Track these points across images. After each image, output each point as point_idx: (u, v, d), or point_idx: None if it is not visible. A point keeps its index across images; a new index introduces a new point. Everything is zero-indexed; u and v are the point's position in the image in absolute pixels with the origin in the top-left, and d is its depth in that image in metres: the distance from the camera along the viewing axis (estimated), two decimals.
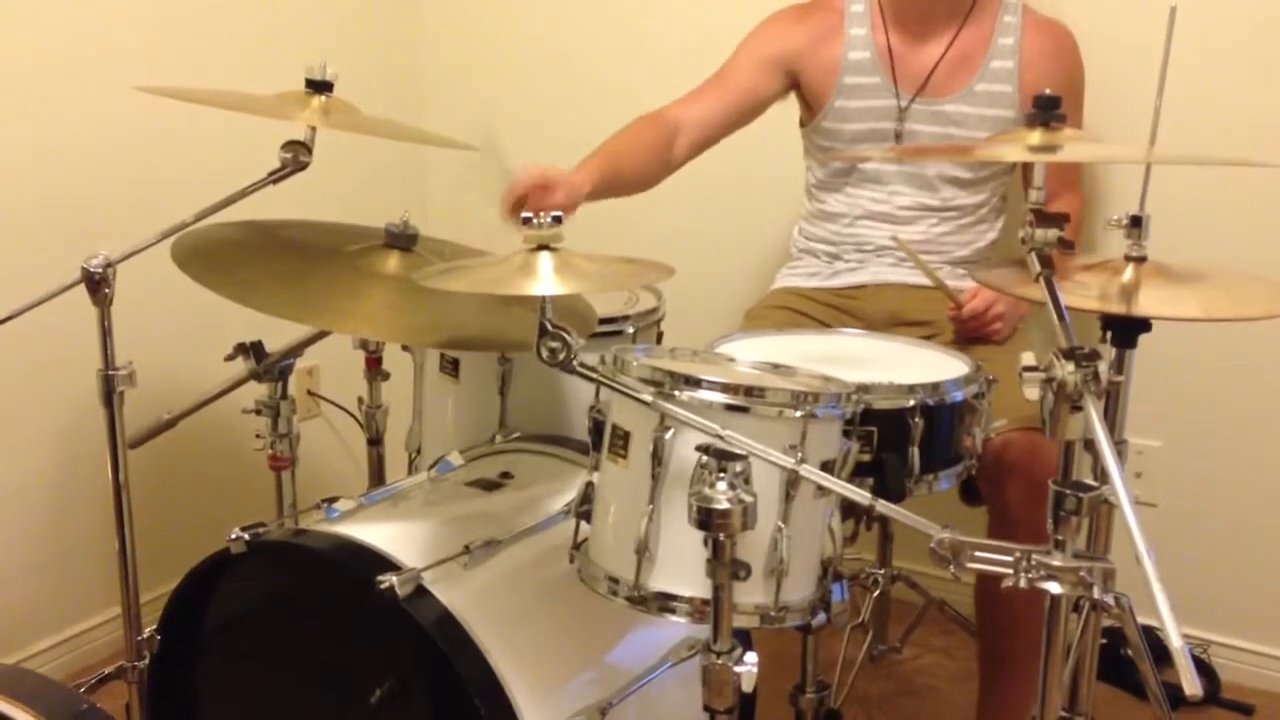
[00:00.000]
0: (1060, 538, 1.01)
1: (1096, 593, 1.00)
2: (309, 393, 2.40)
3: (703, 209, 2.42)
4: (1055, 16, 1.90)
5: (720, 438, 1.08)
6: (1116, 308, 1.23)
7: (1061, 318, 1.04)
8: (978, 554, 1.02)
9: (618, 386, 1.16)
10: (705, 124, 1.87)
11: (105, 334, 1.40)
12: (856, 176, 1.92)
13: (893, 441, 1.35)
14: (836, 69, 1.88)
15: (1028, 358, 1.00)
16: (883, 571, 2.05)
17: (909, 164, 1.88)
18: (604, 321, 1.64)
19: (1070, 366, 0.96)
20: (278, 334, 1.63)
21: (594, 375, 1.15)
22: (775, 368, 1.35)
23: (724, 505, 1.03)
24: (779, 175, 2.28)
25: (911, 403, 1.36)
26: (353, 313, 1.43)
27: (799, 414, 1.16)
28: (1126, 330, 1.27)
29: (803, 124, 1.98)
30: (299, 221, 1.63)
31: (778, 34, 1.93)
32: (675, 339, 1.70)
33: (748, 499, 1.04)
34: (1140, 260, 1.26)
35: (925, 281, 1.86)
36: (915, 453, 1.36)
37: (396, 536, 1.37)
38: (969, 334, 1.76)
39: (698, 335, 1.58)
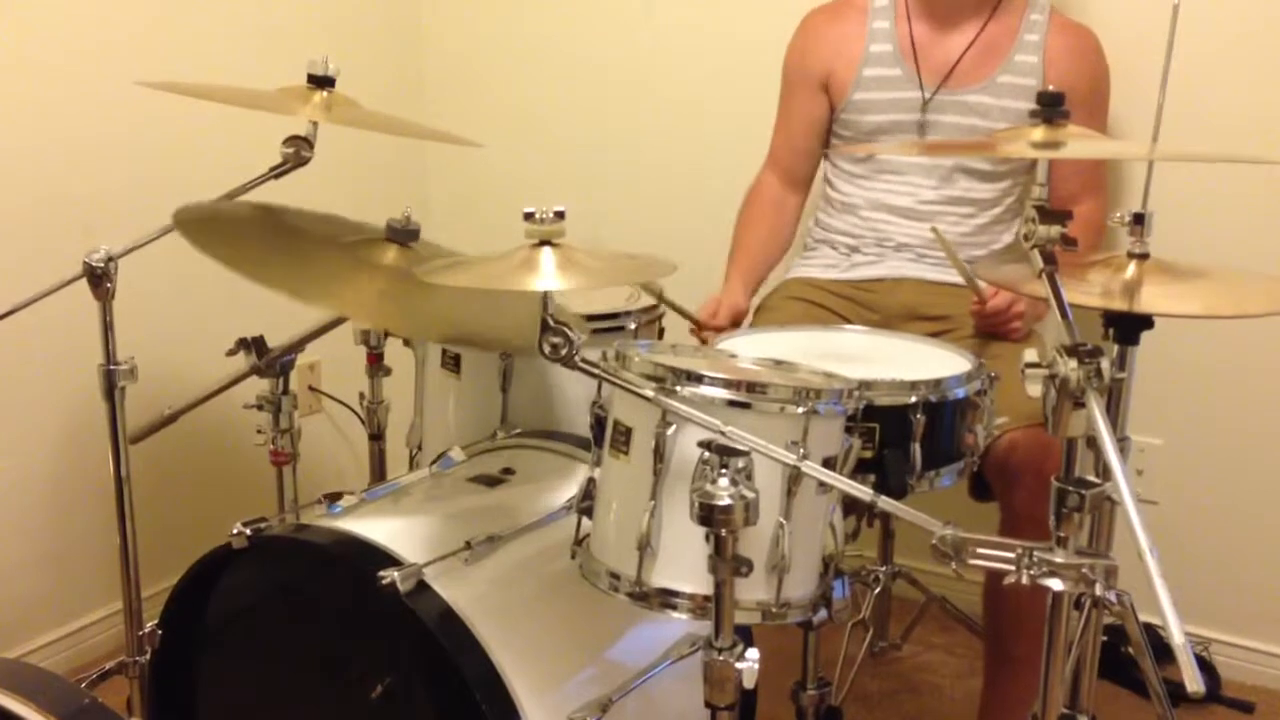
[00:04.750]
0: (1062, 534, 1.01)
1: (1098, 590, 1.01)
2: (310, 388, 2.39)
3: (705, 205, 2.41)
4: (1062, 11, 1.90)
5: (722, 434, 1.08)
6: (1119, 304, 1.23)
7: (1064, 314, 1.04)
8: (979, 551, 1.02)
9: (620, 382, 1.16)
10: (795, 170, 2.02)
11: (107, 328, 1.40)
12: (874, 169, 1.92)
13: (894, 438, 1.35)
14: (858, 61, 1.89)
15: (1030, 354, 1.00)
16: (884, 568, 2.05)
17: (922, 157, 1.88)
18: (606, 317, 1.64)
19: (1073, 363, 0.96)
20: (279, 329, 1.62)
21: (596, 371, 1.15)
22: (777, 364, 1.35)
23: (726, 501, 1.03)
24: None
25: (913, 399, 1.36)
26: (350, 298, 1.43)
27: (801, 410, 1.16)
28: (1129, 327, 1.27)
29: None
30: (302, 210, 1.62)
31: (810, 49, 1.96)
32: (677, 336, 1.70)
33: (749, 495, 1.04)
34: (1143, 257, 1.26)
35: (942, 277, 1.87)
36: (917, 449, 1.36)
37: (398, 532, 1.37)
38: (989, 329, 1.76)
39: None
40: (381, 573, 1.25)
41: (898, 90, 1.87)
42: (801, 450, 1.12)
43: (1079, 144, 1.19)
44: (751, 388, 1.16)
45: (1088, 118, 1.73)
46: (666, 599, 1.17)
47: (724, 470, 1.05)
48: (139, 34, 2.09)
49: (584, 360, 1.13)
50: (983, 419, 1.44)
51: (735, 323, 1.83)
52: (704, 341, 1.79)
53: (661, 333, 1.82)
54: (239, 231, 1.47)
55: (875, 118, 1.89)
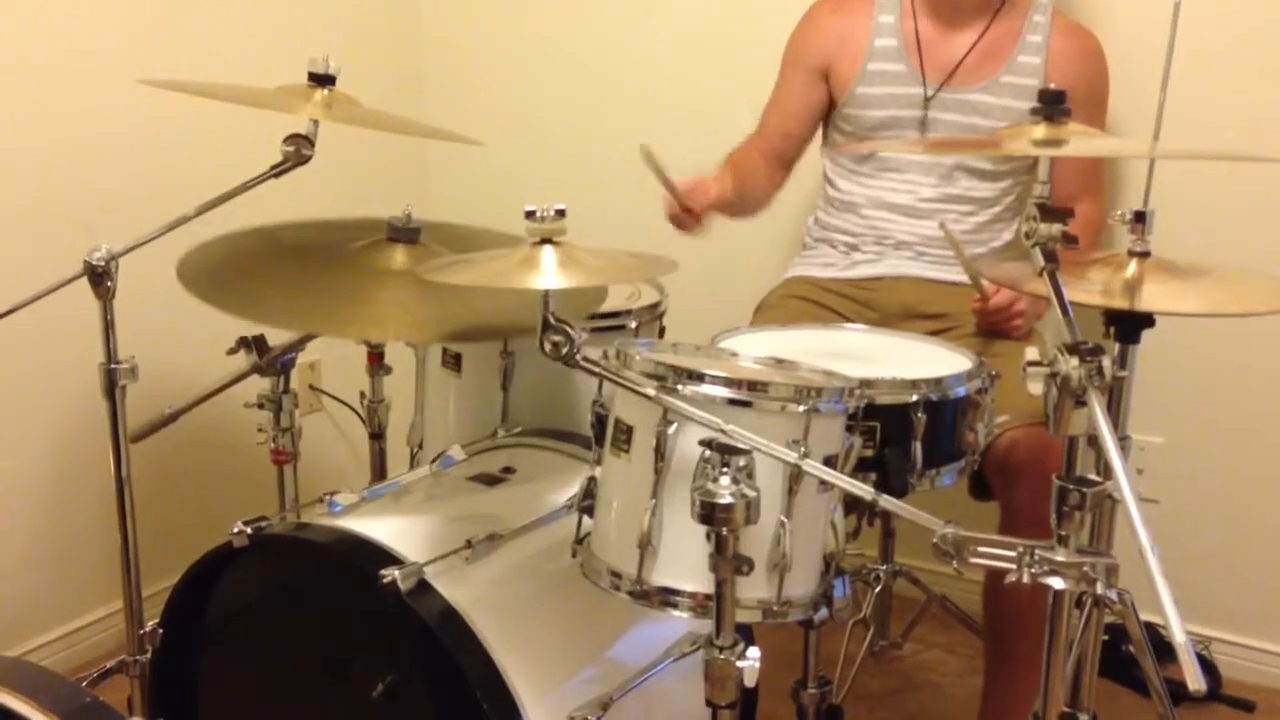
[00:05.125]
0: (1063, 533, 1.01)
1: (1099, 588, 1.01)
2: (311, 387, 2.39)
3: None
4: (1064, 12, 1.90)
5: (723, 432, 1.08)
6: (1120, 303, 1.23)
7: (1066, 313, 1.04)
8: (980, 549, 1.02)
9: (621, 381, 1.16)
10: (782, 147, 1.97)
11: (107, 327, 1.40)
12: (875, 166, 1.92)
13: (895, 436, 1.35)
14: (861, 55, 1.89)
15: (1031, 353, 1.00)
16: (884, 567, 2.05)
17: (924, 154, 1.88)
18: (606, 316, 1.64)
19: (1074, 361, 0.96)
20: (280, 328, 1.62)
21: (597, 369, 1.15)
22: (778, 362, 1.34)
23: (727, 500, 1.03)
24: None
25: (914, 398, 1.36)
26: (357, 317, 1.43)
27: (802, 409, 1.16)
28: (1130, 325, 1.27)
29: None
30: (301, 222, 1.62)
31: (812, 38, 1.95)
32: (677, 334, 1.69)
33: (750, 494, 1.04)
34: (1144, 255, 1.26)
35: (941, 275, 1.87)
36: (918, 448, 1.36)
37: (399, 531, 1.37)
38: (991, 327, 1.76)
39: (700, 330, 1.58)
40: (382, 571, 1.25)
41: (901, 86, 1.87)
42: (802, 449, 1.12)
43: (1080, 141, 1.19)
44: (753, 386, 1.16)
45: (1087, 119, 1.73)
46: (667, 597, 1.17)
47: (725, 469, 1.04)
48: (140, 33, 2.09)
49: (585, 359, 1.13)
50: (983, 417, 1.44)
51: (713, 205, 1.70)
52: (680, 221, 1.69)
53: (662, 331, 1.82)
54: (242, 269, 1.47)
55: (877, 112, 1.89)
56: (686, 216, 1.68)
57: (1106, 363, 0.96)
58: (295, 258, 1.53)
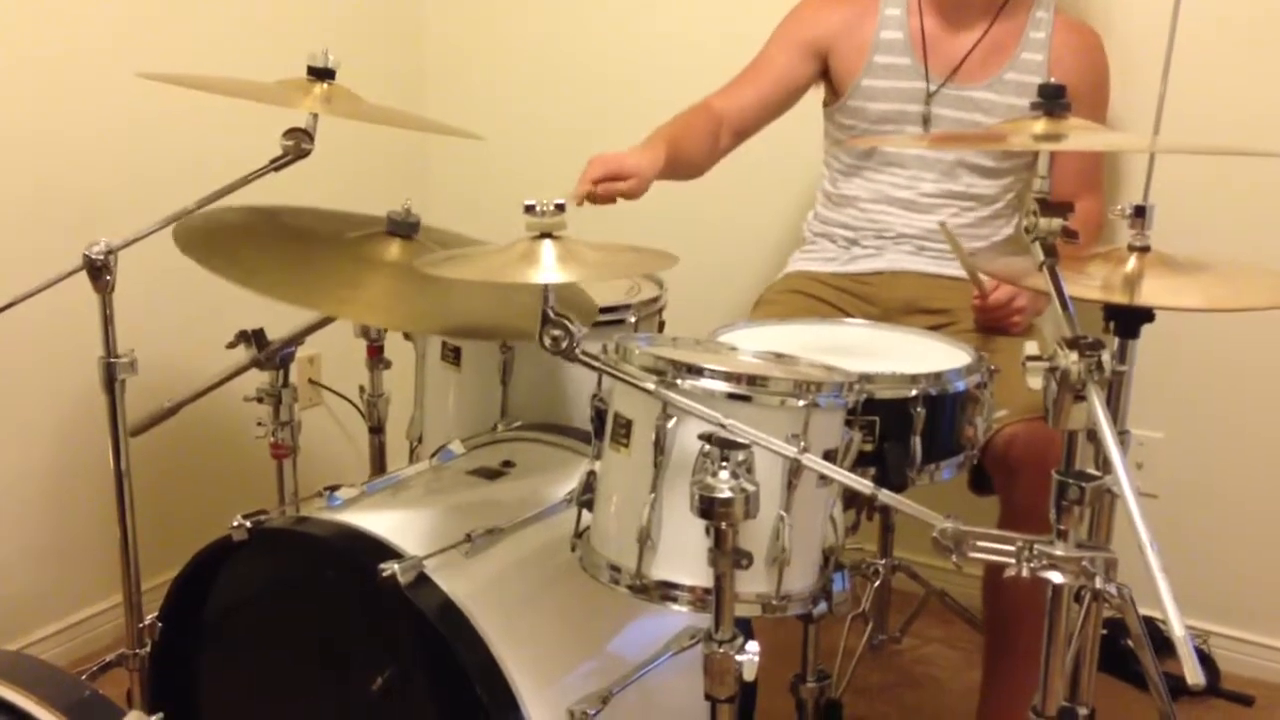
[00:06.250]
0: (1063, 527, 1.01)
1: (1098, 583, 1.01)
2: (310, 381, 2.40)
3: (706, 198, 2.41)
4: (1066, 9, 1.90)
5: (723, 426, 1.08)
6: (1120, 297, 1.23)
7: (1065, 307, 1.04)
8: (980, 543, 1.02)
9: (620, 375, 1.16)
10: (744, 115, 1.91)
11: (107, 321, 1.40)
12: (878, 161, 1.92)
13: (895, 431, 1.35)
14: (867, 47, 1.89)
15: (1031, 347, 1.00)
16: (883, 562, 2.06)
17: (926, 150, 1.88)
18: (606, 310, 1.64)
19: (1074, 356, 0.96)
20: (279, 322, 1.62)
21: (596, 364, 1.15)
22: (778, 357, 1.34)
23: (726, 494, 1.03)
24: (784, 166, 2.29)
25: (914, 392, 1.36)
26: (354, 299, 1.43)
27: (801, 403, 1.16)
28: (1129, 320, 1.27)
29: (826, 104, 1.98)
30: (301, 208, 1.62)
31: (812, 17, 1.94)
32: (677, 329, 1.70)
33: (750, 488, 1.04)
34: (1144, 250, 1.26)
35: (942, 270, 1.87)
36: (917, 442, 1.36)
37: (398, 525, 1.37)
38: (990, 323, 1.76)
39: (699, 325, 1.58)
40: (382, 565, 1.25)
41: (905, 80, 1.87)
42: (802, 443, 1.12)
43: (1081, 136, 1.19)
44: (752, 381, 1.16)
45: (1088, 115, 1.73)
46: (667, 592, 1.17)
47: (724, 463, 1.05)
48: (139, 27, 2.09)
49: (584, 353, 1.13)
50: (983, 412, 1.44)
51: (638, 187, 1.64)
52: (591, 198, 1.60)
53: (662, 326, 1.82)
54: (239, 240, 1.47)
55: (881, 105, 1.89)
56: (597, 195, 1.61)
57: (1106, 357, 0.96)
58: (294, 238, 1.53)
